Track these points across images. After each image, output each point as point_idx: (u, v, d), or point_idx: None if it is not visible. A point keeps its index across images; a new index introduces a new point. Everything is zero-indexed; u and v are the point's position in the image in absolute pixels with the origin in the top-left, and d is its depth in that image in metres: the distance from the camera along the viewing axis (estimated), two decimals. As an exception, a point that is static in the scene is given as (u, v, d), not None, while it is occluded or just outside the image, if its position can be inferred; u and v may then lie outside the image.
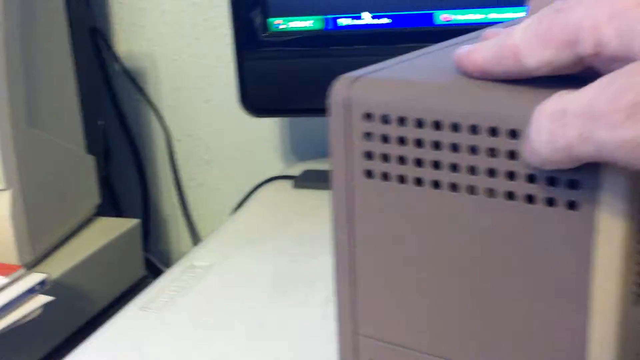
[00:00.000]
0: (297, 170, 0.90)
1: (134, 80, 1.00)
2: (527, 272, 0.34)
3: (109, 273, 0.81)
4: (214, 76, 0.97)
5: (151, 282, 0.64)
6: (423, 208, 0.36)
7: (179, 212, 1.03)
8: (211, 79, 0.97)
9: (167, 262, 1.03)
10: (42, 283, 0.62)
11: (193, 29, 0.96)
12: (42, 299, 0.61)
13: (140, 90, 1.00)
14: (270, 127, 0.96)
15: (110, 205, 1.02)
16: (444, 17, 0.72)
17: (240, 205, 0.90)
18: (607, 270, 0.32)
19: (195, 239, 1.04)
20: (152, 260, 0.96)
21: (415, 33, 0.72)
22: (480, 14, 0.71)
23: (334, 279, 0.40)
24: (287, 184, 0.86)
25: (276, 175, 0.90)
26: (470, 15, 0.71)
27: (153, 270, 0.96)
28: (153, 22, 0.98)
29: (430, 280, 0.37)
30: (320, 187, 0.82)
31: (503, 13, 0.70)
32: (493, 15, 0.70)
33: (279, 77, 0.75)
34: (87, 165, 0.84)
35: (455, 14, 0.71)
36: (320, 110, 0.76)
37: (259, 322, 0.56)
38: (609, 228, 0.32)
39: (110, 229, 0.83)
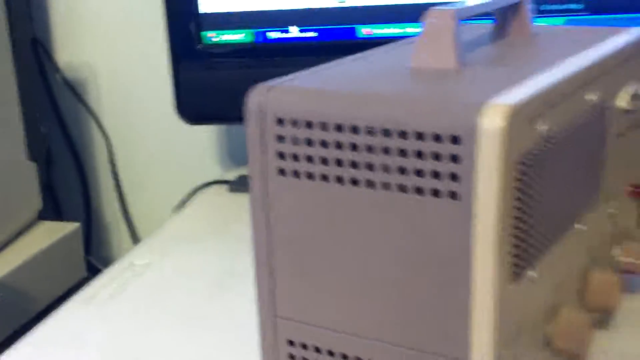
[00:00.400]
0: (233, 175, 0.94)
1: (74, 90, 1.03)
2: (418, 257, 0.39)
3: (51, 274, 0.84)
4: (153, 85, 1.01)
5: (92, 281, 0.68)
6: (330, 201, 0.41)
7: (120, 217, 1.07)
8: (150, 88, 1.01)
9: (109, 266, 1.06)
10: (-14, 282, 0.65)
11: (131, 40, 1.00)
12: (-14, 297, 0.64)
13: (81, 99, 1.03)
14: (208, 135, 1.00)
15: (53, 211, 1.05)
16: (365, 31, 0.77)
17: (179, 208, 0.94)
18: (484, 251, 0.38)
19: (136, 242, 1.07)
20: (93, 262, 0.99)
21: (339, 46, 0.77)
22: (398, 28, 0.76)
23: (254, 267, 0.45)
24: (224, 188, 0.91)
25: (214, 180, 0.94)
26: (389, 29, 0.77)
27: (95, 272, 0.99)
28: (93, 33, 1.02)
29: (336, 265, 0.42)
30: (255, 191, 0.87)
31: (419, 28, 0.76)
32: (410, 29, 0.76)
33: (213, 87, 0.79)
34: (29, 171, 0.87)
35: (376, 28, 0.77)
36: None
37: (197, 314, 0.60)
38: (484, 215, 0.37)
39: (52, 232, 0.86)
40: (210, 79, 0.79)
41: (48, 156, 1.01)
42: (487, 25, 0.57)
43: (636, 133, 0.54)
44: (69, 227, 0.88)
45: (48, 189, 0.99)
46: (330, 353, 0.44)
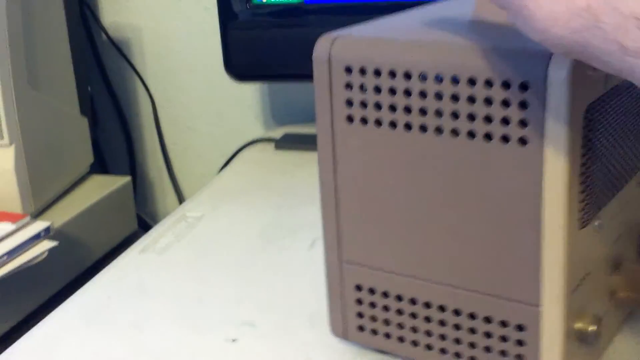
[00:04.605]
0: (277, 134, 0.96)
1: (120, 50, 1.04)
2: (487, 202, 0.40)
3: (105, 225, 0.87)
4: (196, 45, 1.02)
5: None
6: (398, 147, 0.42)
7: (164, 175, 1.09)
8: (193, 48, 1.02)
9: (156, 221, 1.08)
10: (46, 230, 0.68)
11: (174, 1, 1.01)
12: (47, 244, 0.66)
13: (126, 59, 1.05)
14: (251, 94, 1.02)
15: (99, 168, 1.07)
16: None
17: (225, 165, 0.96)
18: (555, 196, 0.38)
19: (181, 200, 1.09)
20: (142, 217, 1.02)
21: (384, 6, 0.78)
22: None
23: (322, 214, 0.46)
24: (269, 146, 0.92)
25: (258, 138, 0.96)
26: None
27: (143, 226, 1.02)
28: (137, -6, 1.03)
29: (404, 210, 0.43)
30: (300, 149, 0.88)
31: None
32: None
33: (261, 46, 0.81)
34: (82, 126, 0.89)
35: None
36: (297, 76, 0.82)
37: (250, 263, 0.62)
38: (554, 159, 0.38)
39: (104, 185, 0.89)
40: (259, 38, 0.80)
41: (94, 115, 1.03)
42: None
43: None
44: (120, 181, 0.90)
45: (94, 147, 1.01)
46: (399, 298, 0.45)
